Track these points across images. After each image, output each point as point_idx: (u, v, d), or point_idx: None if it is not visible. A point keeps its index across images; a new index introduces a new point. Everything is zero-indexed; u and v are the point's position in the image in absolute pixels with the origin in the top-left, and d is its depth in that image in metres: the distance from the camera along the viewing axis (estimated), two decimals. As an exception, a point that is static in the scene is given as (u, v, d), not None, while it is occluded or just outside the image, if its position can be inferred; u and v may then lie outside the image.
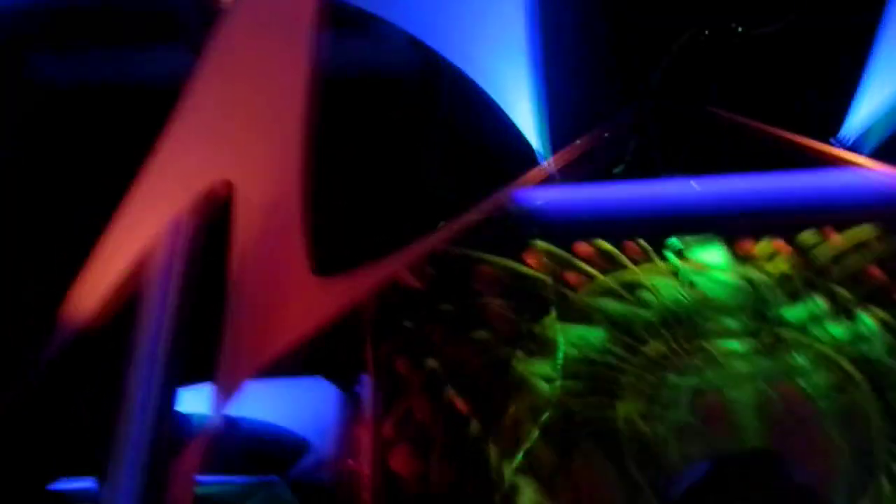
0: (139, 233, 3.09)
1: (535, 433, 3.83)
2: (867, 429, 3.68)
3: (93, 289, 3.18)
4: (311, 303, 3.32)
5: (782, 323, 3.99)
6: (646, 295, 4.12)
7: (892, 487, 3.56)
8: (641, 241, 4.24)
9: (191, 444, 3.12)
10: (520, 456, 3.78)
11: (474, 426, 3.87)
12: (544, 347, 4.03)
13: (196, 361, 3.20)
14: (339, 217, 4.24)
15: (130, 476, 2.77)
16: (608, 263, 4.19)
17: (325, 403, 6.49)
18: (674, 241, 4.23)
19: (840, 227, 4.13)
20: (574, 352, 4.01)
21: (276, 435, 7.35)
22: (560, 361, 3.97)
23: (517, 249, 4.25)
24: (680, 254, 4.21)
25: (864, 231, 4.12)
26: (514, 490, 3.73)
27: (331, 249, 3.57)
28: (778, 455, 1.80)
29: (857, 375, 3.82)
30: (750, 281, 4.10)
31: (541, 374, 3.97)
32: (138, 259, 3.15)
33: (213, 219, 3.22)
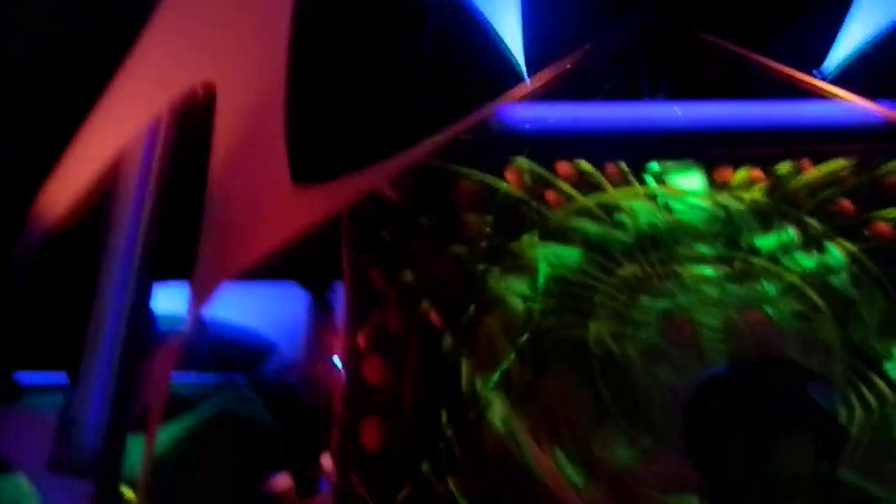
0: (116, 132, 3.03)
1: (509, 350, 3.88)
2: (827, 357, 3.78)
3: (66, 187, 3.13)
4: (289, 211, 3.30)
5: (754, 251, 4.04)
6: (623, 217, 4.14)
7: (848, 413, 3.67)
8: (621, 164, 4.24)
9: (165, 344, 3.13)
10: (493, 372, 3.84)
11: (448, 341, 3.91)
12: (521, 265, 4.06)
13: (173, 262, 3.19)
14: (320, 126, 4.19)
15: (103, 373, 2.78)
16: (588, 184, 4.20)
17: (296, 309, 6.54)
18: (653, 165, 4.24)
19: (817, 158, 4.16)
20: (550, 271, 4.05)
21: (243, 336, 7.41)
22: (539, 281, 4.00)
23: (498, 166, 4.24)
24: (658, 178, 4.22)
25: (838, 164, 4.15)
26: (485, 405, 3.79)
27: (311, 158, 3.53)
28: (796, 364, 1.84)
29: (822, 305, 3.90)
30: (725, 208, 4.13)
31: (517, 291, 4.00)
32: (114, 158, 3.10)
33: (193, 121, 3.17)
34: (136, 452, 3.00)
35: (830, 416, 1.69)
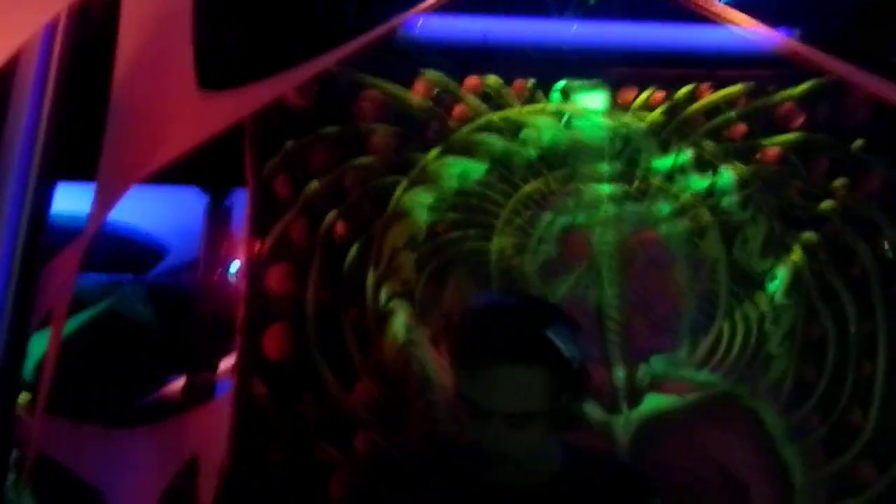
0: (12, 30, 2.86)
1: (411, 260, 3.95)
2: (714, 276, 4.00)
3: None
4: (195, 116, 3.20)
5: (651, 171, 4.19)
6: (528, 134, 4.21)
7: (730, 330, 3.92)
8: (529, 81, 4.28)
9: (66, 250, 3.05)
10: (396, 283, 3.90)
11: (353, 252, 3.93)
12: (427, 179, 4.09)
13: (77, 162, 3.07)
14: (228, 30, 4.05)
15: (3, 279, 2.69)
16: (496, 100, 4.23)
17: (193, 214, 6.41)
18: (560, 83, 4.30)
19: (716, 83, 4.30)
20: (455, 185, 4.10)
21: (138, 237, 7.24)
22: (445, 194, 4.05)
23: (406, 78, 4.22)
24: (564, 96, 4.29)
25: (735, 89, 4.31)
26: (387, 314, 3.86)
27: (218, 63, 3.43)
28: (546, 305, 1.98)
29: (711, 225, 4.10)
30: (626, 128, 4.25)
31: (422, 204, 4.05)
32: (10, 58, 2.93)
33: (96, 20, 3.01)
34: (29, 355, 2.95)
35: (563, 357, 1.83)
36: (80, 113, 3.05)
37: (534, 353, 1.74)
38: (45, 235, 2.76)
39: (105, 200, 2.95)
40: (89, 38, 2.95)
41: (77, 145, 3.09)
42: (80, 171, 3.27)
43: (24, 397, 3.36)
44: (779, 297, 4.00)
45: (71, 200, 4.18)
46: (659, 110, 4.26)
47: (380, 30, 3.95)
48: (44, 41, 2.89)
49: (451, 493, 1.83)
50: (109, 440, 4.48)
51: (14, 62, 2.84)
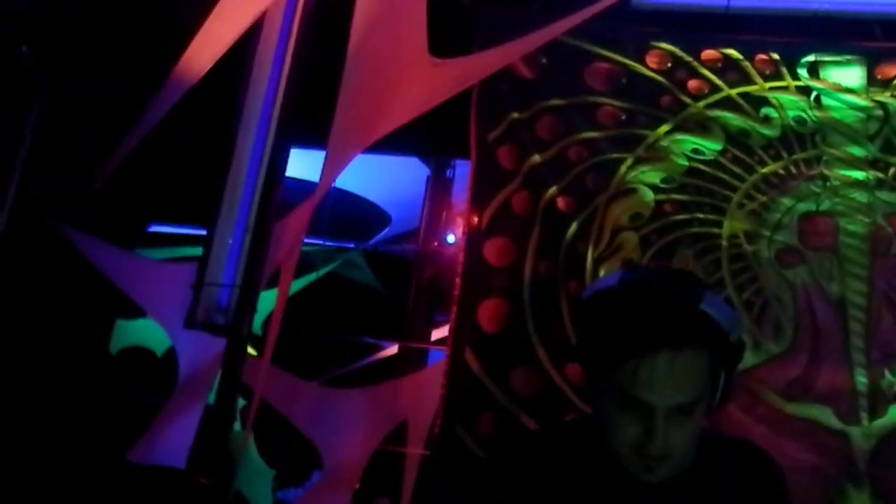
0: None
1: (635, 239, 3.78)
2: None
3: (208, 45, 3.11)
4: (424, 81, 3.21)
5: (911, 156, 3.76)
6: (769, 111, 3.90)
7: None
8: (773, 54, 3.97)
9: (297, 210, 3.15)
10: (616, 261, 3.75)
11: (573, 227, 3.82)
12: (655, 155, 3.89)
13: (307, 128, 3.17)
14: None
15: (239, 234, 2.81)
16: (735, 74, 3.95)
17: (414, 183, 6.54)
18: (808, 57, 3.95)
19: None
20: (686, 163, 3.87)
21: (361, 205, 7.50)
22: (674, 173, 3.84)
23: (639, 48, 4.03)
24: (813, 71, 3.94)
25: None
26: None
27: (448, 31, 3.41)
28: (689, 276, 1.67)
29: (980, 220, 3.63)
30: (884, 108, 3.84)
31: (648, 181, 3.86)
32: (255, 20, 3.05)
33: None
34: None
35: (723, 332, 1.54)
36: (317, 79, 3.14)
37: (697, 333, 1.50)
38: (279, 194, 2.86)
39: (335, 162, 3.01)
40: (327, 4, 3.02)
41: (312, 111, 3.19)
42: (313, 138, 3.38)
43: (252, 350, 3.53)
44: None
45: (303, 167, 4.35)
46: (925, 89, 3.81)
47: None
48: (286, 8, 2.98)
49: (584, 479, 1.68)
50: (326, 397, 4.67)
51: (257, 27, 2.95)
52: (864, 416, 3.43)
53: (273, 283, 3.10)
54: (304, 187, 3.71)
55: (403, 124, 3.30)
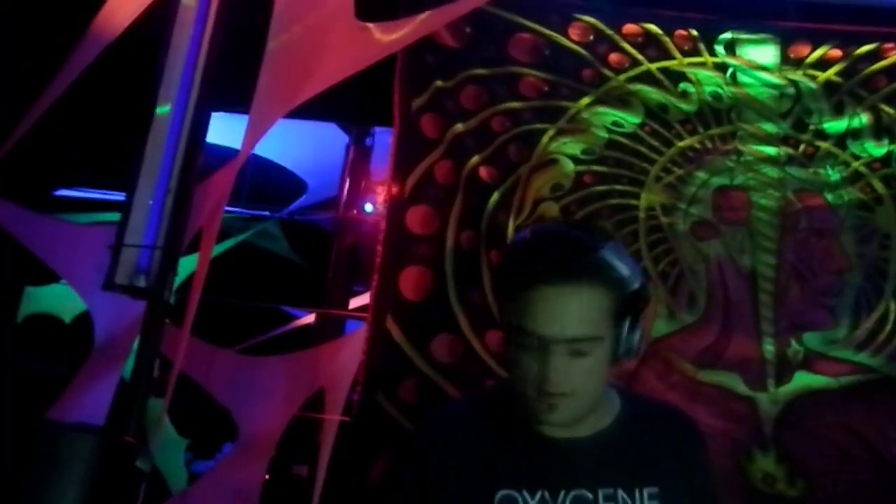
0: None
1: (555, 210, 3.82)
2: (885, 249, 3.70)
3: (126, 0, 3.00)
4: (350, 46, 3.17)
5: (821, 134, 3.90)
6: (687, 87, 3.99)
7: (896, 307, 3.63)
8: (692, 30, 4.05)
9: (219, 173, 3.09)
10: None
11: (495, 196, 3.84)
12: (576, 127, 3.94)
13: (230, 90, 3.09)
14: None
15: (159, 197, 2.74)
16: (655, 49, 4.02)
17: (332, 150, 6.48)
18: (726, 34, 4.04)
19: (901, 43, 3.95)
20: (606, 136, 3.93)
21: (277, 172, 7.39)
22: (594, 145, 3.90)
23: (562, 21, 4.06)
24: (729, 48, 4.04)
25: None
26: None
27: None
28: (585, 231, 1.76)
29: (886, 195, 3.80)
30: (796, 86, 3.97)
31: (568, 153, 3.91)
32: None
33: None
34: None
35: (620, 276, 1.62)
36: (240, 40, 3.06)
37: (588, 270, 1.58)
38: (201, 155, 2.78)
39: (258, 125, 2.95)
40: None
41: (235, 73, 3.11)
42: (236, 100, 3.30)
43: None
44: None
45: (224, 134, 4.25)
46: (834, 69, 3.95)
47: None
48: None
49: (502, 445, 1.72)
50: (243, 365, 4.60)
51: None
52: (770, 382, 3.58)
53: (192, 248, 3.03)
54: (225, 154, 3.63)
55: (326, 90, 3.25)
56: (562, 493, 1.65)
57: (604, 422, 1.72)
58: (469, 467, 1.69)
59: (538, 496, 1.65)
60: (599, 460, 1.69)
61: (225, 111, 3.80)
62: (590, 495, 1.65)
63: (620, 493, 1.66)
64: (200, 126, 2.78)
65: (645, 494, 1.67)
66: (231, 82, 3.12)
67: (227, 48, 3.02)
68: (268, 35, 2.91)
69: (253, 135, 2.97)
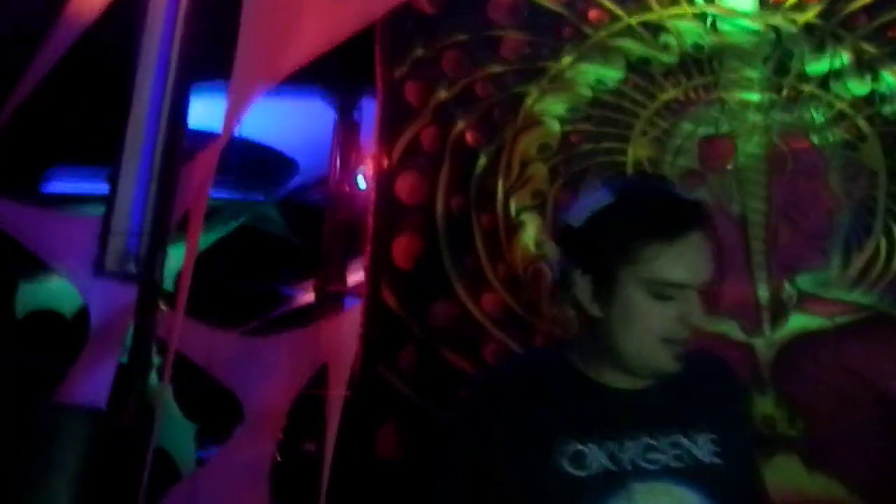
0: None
1: (544, 171, 3.83)
2: (872, 187, 3.71)
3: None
4: (326, 18, 3.16)
5: (803, 77, 3.89)
6: (668, 38, 3.98)
7: (888, 246, 3.64)
8: (669, -20, 4.03)
9: (202, 153, 3.09)
10: (527, 193, 3.80)
11: (482, 160, 3.85)
12: (559, 86, 3.93)
13: (206, 71, 3.09)
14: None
15: (143, 180, 2.74)
16: (633, 2, 4.00)
17: (320, 126, 6.47)
18: (703, -18, 4.02)
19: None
20: (590, 93, 3.93)
21: (267, 154, 7.39)
22: (578, 103, 3.89)
23: (539, -21, 4.04)
24: (708, -4, 4.02)
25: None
26: (518, 225, 3.77)
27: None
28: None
29: (871, 134, 3.80)
30: (776, 31, 3.95)
31: (553, 113, 3.90)
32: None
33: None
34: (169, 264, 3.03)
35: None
36: (218, 17, 3.05)
37: (707, 217, 1.69)
38: (184, 137, 2.79)
39: (238, 102, 2.95)
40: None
41: (213, 51, 3.11)
42: (215, 79, 3.30)
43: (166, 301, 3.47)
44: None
45: (203, 110, 4.24)
46: (814, 10, 3.93)
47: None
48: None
49: (561, 400, 1.75)
50: (244, 345, 4.63)
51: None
52: (766, 327, 3.60)
53: (183, 234, 3.04)
54: (207, 136, 3.63)
55: (307, 63, 3.25)
56: (628, 443, 1.69)
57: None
58: (528, 424, 1.71)
59: (605, 448, 1.68)
60: (660, 408, 1.73)
61: (207, 90, 3.80)
62: (655, 443, 1.70)
63: (683, 440, 1.71)
64: (181, 107, 2.78)
65: (704, 440, 1.72)
66: (211, 60, 3.12)
67: (206, 25, 3.02)
68: (242, 11, 2.91)
69: (234, 112, 2.97)
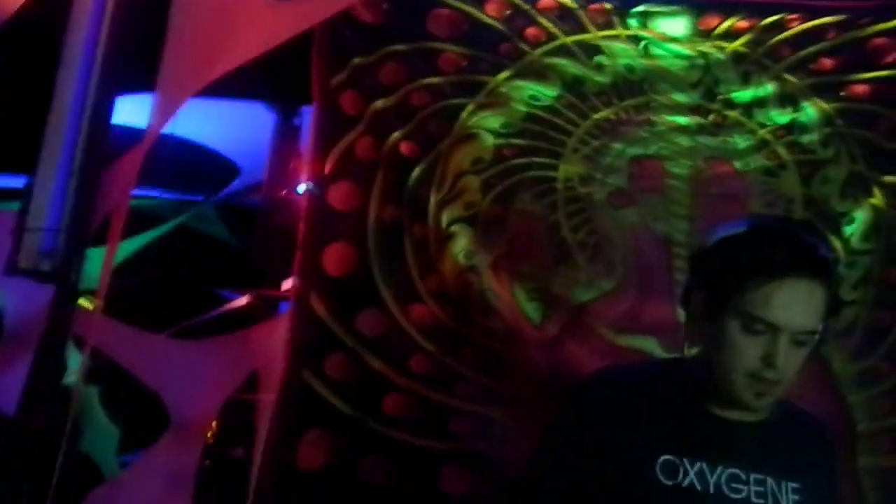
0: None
1: (476, 183, 3.87)
2: (789, 212, 3.83)
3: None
4: (260, 22, 3.17)
5: (729, 103, 4.01)
6: (602, 60, 4.06)
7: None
8: (606, 4, 4.12)
9: (126, 156, 3.06)
10: (459, 206, 3.84)
11: (416, 171, 3.87)
12: (495, 101, 3.99)
13: (135, 71, 3.07)
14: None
15: (62, 179, 2.72)
16: (570, 23, 4.08)
17: (262, 131, 6.44)
18: (638, 7, 4.12)
19: (806, 13, 4.07)
20: (524, 109, 3.99)
21: (209, 156, 7.33)
22: (513, 119, 3.94)
23: (480, -5, 4.09)
24: (643, 21, 4.11)
25: (825, 21, 4.07)
26: (449, 237, 3.80)
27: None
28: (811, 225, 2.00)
29: (790, 162, 3.92)
30: (706, 57, 4.06)
31: (488, 127, 3.95)
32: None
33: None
34: (96, 265, 2.99)
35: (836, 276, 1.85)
36: (141, 22, 3.03)
37: (827, 269, 1.75)
38: (107, 136, 2.77)
39: (166, 107, 2.94)
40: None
41: (141, 52, 3.09)
42: (143, 81, 3.27)
43: (86, 303, 3.43)
44: (856, 241, 3.83)
45: (131, 112, 4.20)
46: (742, 40, 4.05)
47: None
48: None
49: (669, 417, 1.83)
50: (173, 349, 4.58)
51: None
52: (686, 345, 3.67)
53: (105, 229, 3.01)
54: (136, 134, 3.60)
55: (243, 67, 3.25)
56: (719, 468, 1.77)
57: (766, 412, 1.85)
58: (633, 432, 1.80)
59: (697, 466, 1.76)
60: (757, 447, 1.83)
61: (134, 91, 3.77)
62: (743, 476, 1.79)
63: (770, 481, 1.79)
64: (105, 105, 2.76)
65: (789, 488, 1.80)
66: (139, 61, 3.10)
67: (133, 25, 3.00)
68: (171, 11, 2.90)
69: (161, 115, 2.96)
